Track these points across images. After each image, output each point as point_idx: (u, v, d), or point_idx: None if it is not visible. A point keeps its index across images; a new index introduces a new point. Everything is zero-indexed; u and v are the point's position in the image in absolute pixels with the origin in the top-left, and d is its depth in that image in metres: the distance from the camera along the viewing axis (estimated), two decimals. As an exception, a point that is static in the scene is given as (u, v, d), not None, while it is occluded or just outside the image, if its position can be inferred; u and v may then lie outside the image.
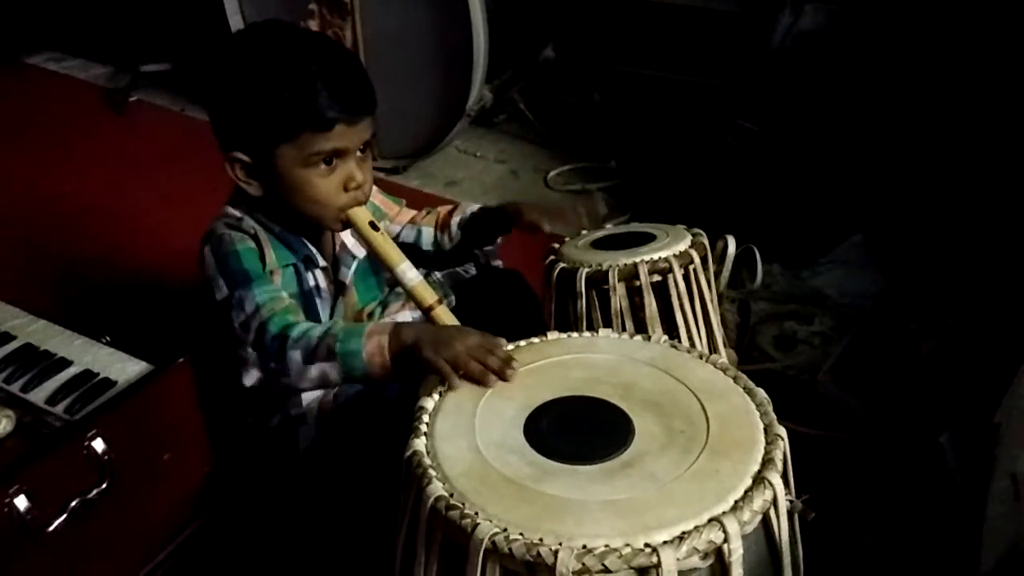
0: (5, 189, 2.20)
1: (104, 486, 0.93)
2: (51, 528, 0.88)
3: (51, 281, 1.80)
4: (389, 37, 2.13)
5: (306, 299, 1.14)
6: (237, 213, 1.12)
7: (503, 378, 0.87)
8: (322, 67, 1.03)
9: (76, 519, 0.91)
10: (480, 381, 0.87)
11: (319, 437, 1.16)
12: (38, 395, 0.99)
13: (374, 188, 1.26)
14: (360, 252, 1.21)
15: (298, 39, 1.08)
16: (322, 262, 1.16)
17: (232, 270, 1.06)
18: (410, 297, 1.07)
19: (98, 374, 1.02)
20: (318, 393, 1.15)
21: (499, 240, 1.26)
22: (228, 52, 1.11)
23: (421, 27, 2.12)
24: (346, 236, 1.20)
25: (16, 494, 0.85)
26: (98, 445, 0.92)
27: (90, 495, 0.92)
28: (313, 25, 2.12)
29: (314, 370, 0.97)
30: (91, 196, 2.17)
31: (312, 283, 1.15)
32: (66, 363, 1.04)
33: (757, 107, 1.84)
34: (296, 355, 0.97)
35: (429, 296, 1.05)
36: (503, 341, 0.93)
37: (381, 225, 1.14)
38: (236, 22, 2.35)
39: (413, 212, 1.31)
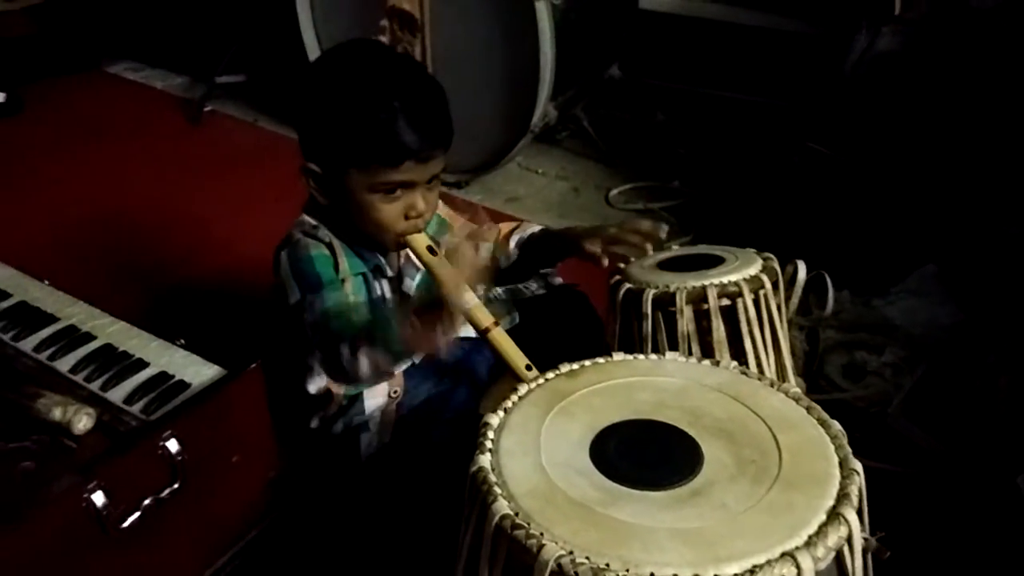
0: (86, 193, 2.29)
1: (176, 486, 0.96)
2: (124, 525, 0.91)
3: (129, 283, 1.86)
4: (457, 53, 2.16)
5: (374, 307, 1.17)
6: (313, 221, 1.15)
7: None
8: (404, 103, 1.05)
9: (148, 517, 0.93)
10: None
11: (381, 446, 1.17)
12: (116, 394, 1.03)
13: (439, 201, 1.28)
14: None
15: (389, 68, 1.10)
16: (390, 272, 1.18)
17: (306, 273, 1.10)
18: (468, 320, 1.08)
19: (173, 376, 1.05)
20: (381, 401, 1.17)
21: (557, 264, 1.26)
22: (320, 67, 1.15)
23: (489, 44, 2.14)
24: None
25: (95, 490, 0.87)
26: (172, 445, 0.95)
27: (162, 494, 0.95)
28: (384, 40, 2.16)
29: (363, 361, 1.00)
30: (167, 202, 2.24)
31: (379, 292, 1.17)
32: (143, 364, 1.07)
33: (829, 130, 1.81)
34: (345, 350, 1.01)
35: (485, 319, 1.06)
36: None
37: (443, 240, 1.16)
38: (309, 37, 2.40)
39: (474, 226, 1.32)
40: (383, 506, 1.14)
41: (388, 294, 1.19)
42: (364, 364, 1.01)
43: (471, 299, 1.06)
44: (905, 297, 1.64)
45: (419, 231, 1.12)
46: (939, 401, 1.38)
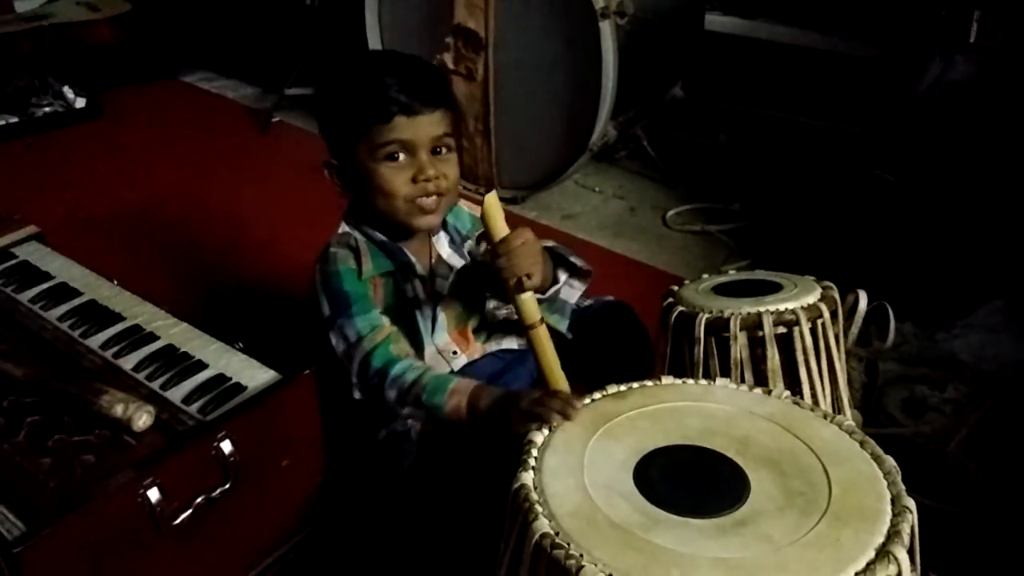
0: (157, 198, 2.37)
1: (227, 486, 0.98)
2: (176, 522, 0.93)
3: (193, 286, 1.92)
4: (520, 71, 2.18)
5: (407, 309, 1.19)
6: (347, 228, 1.20)
7: (565, 416, 0.88)
8: (391, 66, 1.12)
9: (199, 516, 0.96)
10: (544, 420, 0.89)
11: (421, 456, 1.18)
12: (175, 394, 1.05)
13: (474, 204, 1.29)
14: (457, 262, 1.24)
15: (381, 54, 1.18)
16: (420, 270, 1.20)
17: (333, 290, 1.14)
18: (516, 309, 1.06)
19: (230, 379, 1.07)
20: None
21: (551, 290, 1.18)
22: (329, 75, 1.22)
23: (552, 62, 2.15)
24: (442, 247, 1.24)
25: (150, 486, 0.90)
26: (226, 446, 0.97)
27: (214, 494, 0.97)
28: (448, 58, 2.19)
29: (406, 410, 1.08)
30: (233, 208, 2.30)
31: (412, 293, 1.20)
32: (203, 366, 1.10)
33: (897, 158, 1.76)
34: (391, 394, 1.06)
35: (534, 313, 1.04)
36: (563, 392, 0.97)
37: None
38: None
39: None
40: (425, 516, 1.15)
41: (421, 295, 1.20)
42: (406, 412, 1.08)
43: (536, 283, 1.04)
44: (971, 331, 1.58)
45: (430, 195, 1.13)
46: (1003, 440, 1.32)
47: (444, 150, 1.14)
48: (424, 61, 1.19)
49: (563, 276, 1.17)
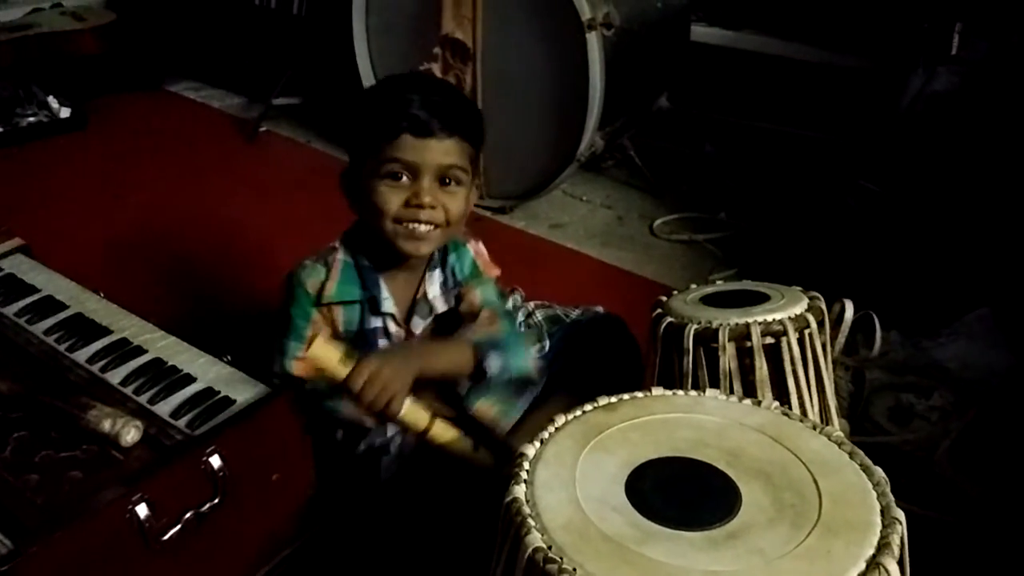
0: (144, 209, 2.36)
1: (217, 501, 0.97)
2: (165, 538, 0.92)
3: (180, 298, 1.91)
4: (508, 81, 2.19)
5: (366, 337, 1.17)
6: (336, 244, 1.19)
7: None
8: (415, 87, 1.10)
9: (188, 531, 0.94)
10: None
11: (401, 469, 1.17)
12: (163, 408, 1.04)
13: (480, 247, 1.25)
14: (440, 306, 1.21)
15: (416, 76, 1.17)
16: (390, 308, 1.17)
17: (285, 306, 1.18)
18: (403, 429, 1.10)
19: (219, 392, 1.06)
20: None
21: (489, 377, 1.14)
22: (359, 90, 1.21)
23: (540, 73, 2.16)
24: (432, 286, 1.20)
25: (139, 502, 0.89)
26: (215, 461, 0.96)
27: (203, 509, 0.96)
28: (436, 68, 2.20)
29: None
30: (220, 219, 2.29)
31: (374, 325, 1.17)
32: (191, 379, 1.09)
33: (881, 168, 1.78)
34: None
35: (419, 422, 1.06)
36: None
37: (468, 285, 1.20)
38: (364, 62, 2.45)
39: (484, 313, 1.21)
40: (404, 530, 1.15)
41: (392, 328, 1.18)
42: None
43: (397, 409, 1.04)
44: (956, 340, 1.60)
45: (419, 222, 1.09)
46: (988, 448, 1.34)
47: (452, 182, 1.10)
48: (458, 91, 1.19)
49: (495, 363, 1.12)
